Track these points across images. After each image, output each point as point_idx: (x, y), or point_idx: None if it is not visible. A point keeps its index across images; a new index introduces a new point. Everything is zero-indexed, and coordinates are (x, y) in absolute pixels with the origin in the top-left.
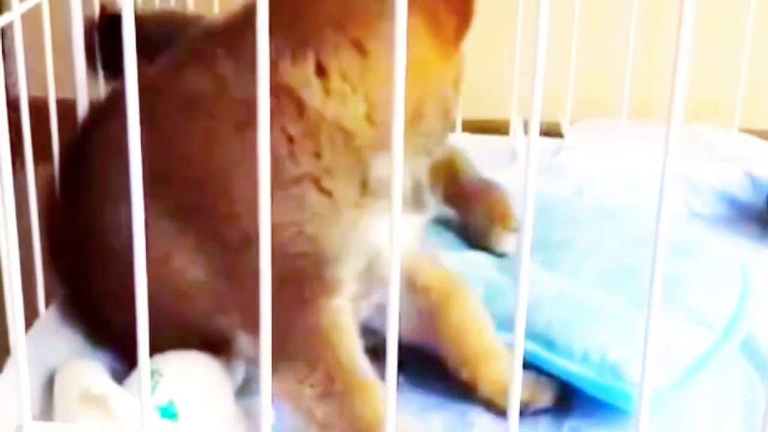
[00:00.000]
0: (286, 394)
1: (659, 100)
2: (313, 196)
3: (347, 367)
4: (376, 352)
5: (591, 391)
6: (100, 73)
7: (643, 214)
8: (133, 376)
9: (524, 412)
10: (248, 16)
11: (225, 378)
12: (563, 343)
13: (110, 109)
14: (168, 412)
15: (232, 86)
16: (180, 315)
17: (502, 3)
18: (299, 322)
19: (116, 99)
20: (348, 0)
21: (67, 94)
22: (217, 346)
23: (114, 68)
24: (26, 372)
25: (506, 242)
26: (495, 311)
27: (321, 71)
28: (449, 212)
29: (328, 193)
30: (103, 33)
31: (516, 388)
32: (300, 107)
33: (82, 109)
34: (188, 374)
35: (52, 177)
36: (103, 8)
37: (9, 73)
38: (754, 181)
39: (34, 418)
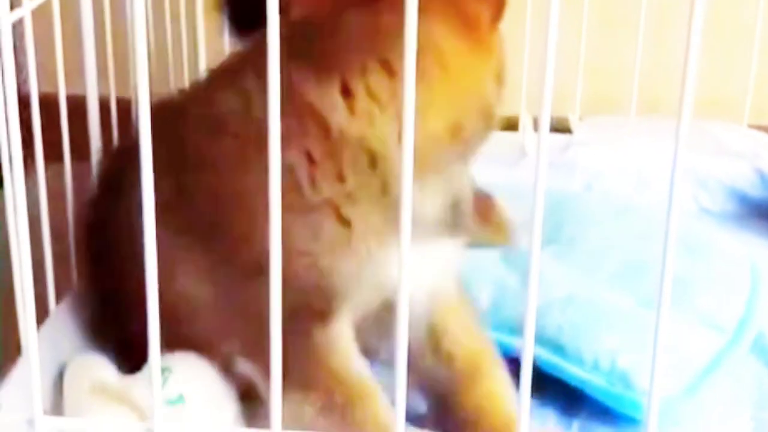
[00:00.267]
0: (286, 417)
1: (668, 96)
2: (330, 226)
3: (346, 380)
4: None
5: (601, 399)
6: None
7: (652, 210)
8: (144, 371)
9: None
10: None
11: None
12: (573, 348)
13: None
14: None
15: (256, 106)
16: (181, 332)
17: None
18: (297, 348)
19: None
20: (374, 20)
21: (77, 91)
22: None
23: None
24: (38, 367)
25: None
26: (504, 315)
27: (346, 92)
28: None
29: (347, 223)
30: None
31: (526, 390)
32: (324, 128)
33: (92, 105)
34: (197, 370)
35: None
36: None
37: (20, 70)
38: (763, 178)
39: (45, 413)
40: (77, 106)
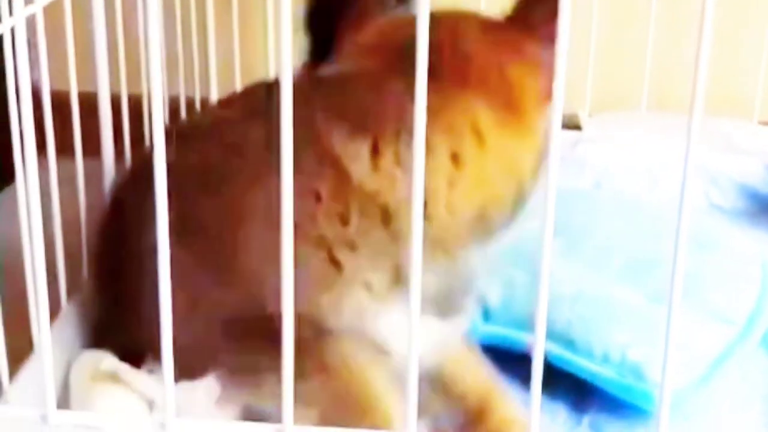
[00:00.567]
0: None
1: (679, 93)
2: (318, 262)
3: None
4: None
5: (612, 390)
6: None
7: (662, 207)
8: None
9: None
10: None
11: None
12: (583, 342)
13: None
14: None
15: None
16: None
17: None
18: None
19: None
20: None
21: (88, 88)
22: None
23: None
24: (50, 362)
25: None
26: (514, 311)
27: (375, 150)
28: None
29: (337, 265)
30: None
31: (537, 385)
32: (343, 175)
33: (104, 103)
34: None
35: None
36: None
37: (32, 67)
38: None
39: (58, 408)
40: (88, 104)
